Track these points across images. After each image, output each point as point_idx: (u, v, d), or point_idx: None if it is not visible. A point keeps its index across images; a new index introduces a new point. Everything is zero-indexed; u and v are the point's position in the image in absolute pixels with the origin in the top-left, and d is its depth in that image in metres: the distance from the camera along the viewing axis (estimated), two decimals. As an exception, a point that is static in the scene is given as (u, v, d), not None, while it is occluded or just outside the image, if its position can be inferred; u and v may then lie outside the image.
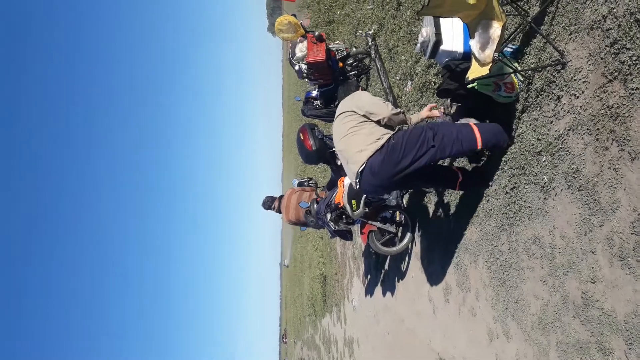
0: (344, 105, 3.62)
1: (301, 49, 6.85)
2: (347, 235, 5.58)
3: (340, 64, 7.03)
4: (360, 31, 7.54)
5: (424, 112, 3.69)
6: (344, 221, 5.32)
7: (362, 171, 3.36)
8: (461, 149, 3.21)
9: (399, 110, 3.53)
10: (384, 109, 3.45)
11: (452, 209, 4.37)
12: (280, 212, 6.21)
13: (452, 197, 4.37)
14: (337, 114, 3.65)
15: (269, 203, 6.32)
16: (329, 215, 5.27)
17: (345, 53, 7.19)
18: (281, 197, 6.06)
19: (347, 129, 3.47)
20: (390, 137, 3.33)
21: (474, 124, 3.29)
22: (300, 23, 6.89)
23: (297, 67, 6.94)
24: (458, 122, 3.52)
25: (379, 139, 3.33)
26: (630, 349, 2.28)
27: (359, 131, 3.42)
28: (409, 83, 5.40)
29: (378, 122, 3.46)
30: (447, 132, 3.20)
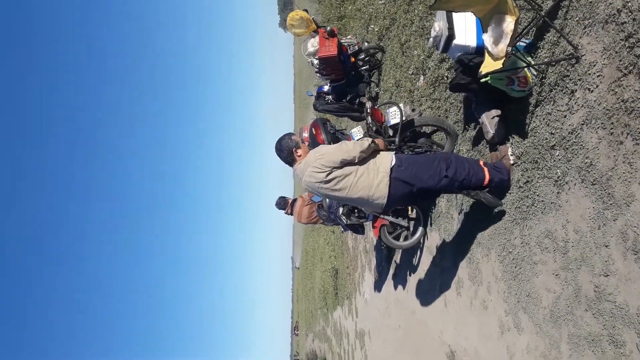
0: (315, 176, 3.52)
1: (313, 43, 6.87)
2: (359, 230, 5.62)
3: (352, 59, 7.04)
4: (372, 26, 7.54)
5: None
6: (356, 215, 5.35)
7: (387, 201, 3.51)
8: (469, 184, 3.49)
9: (366, 142, 3.56)
10: (352, 149, 3.49)
11: (464, 203, 4.38)
12: (291, 215, 6.28)
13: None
14: (320, 181, 3.52)
15: (282, 205, 6.41)
16: (340, 210, 5.31)
17: (357, 48, 7.21)
18: (294, 201, 6.07)
19: (350, 179, 3.49)
20: (394, 163, 3.48)
21: (484, 163, 3.53)
22: (312, 18, 6.90)
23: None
24: (483, 114, 3.56)
25: (378, 168, 3.48)
26: (642, 341, 2.30)
27: (359, 173, 3.48)
28: (422, 78, 5.40)
29: (357, 162, 3.52)
30: (460, 166, 3.45)
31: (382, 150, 3.66)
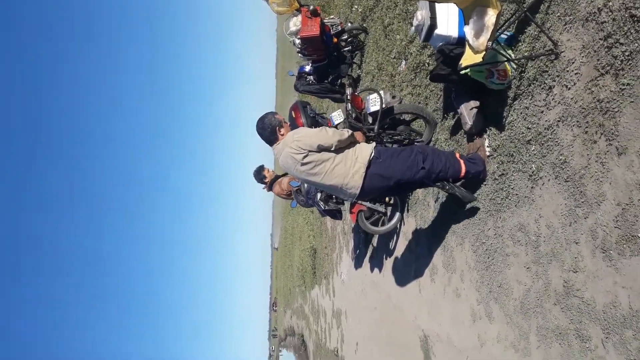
0: (292, 157, 3.46)
1: (295, 23, 6.73)
2: (336, 215, 5.62)
3: (335, 40, 6.93)
4: (356, 6, 7.42)
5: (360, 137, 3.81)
6: (334, 201, 5.35)
7: (360, 191, 3.49)
8: (446, 176, 3.51)
9: (346, 133, 3.52)
10: (330, 137, 3.44)
11: (441, 191, 4.41)
12: (269, 191, 6.18)
13: (442, 179, 4.40)
14: (297, 162, 3.46)
15: (259, 179, 6.23)
16: (318, 195, 5.30)
17: (339, 28, 7.08)
18: (273, 182, 5.92)
19: (326, 165, 3.44)
20: (373, 154, 3.45)
21: (460, 155, 3.55)
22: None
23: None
24: (462, 105, 3.56)
25: (356, 158, 3.45)
26: (607, 337, 2.36)
27: (336, 160, 3.44)
28: (403, 62, 5.36)
29: (333, 150, 3.47)
30: (436, 158, 3.45)
31: (360, 142, 3.63)
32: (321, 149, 3.43)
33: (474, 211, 3.73)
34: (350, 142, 3.54)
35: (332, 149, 3.43)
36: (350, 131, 3.57)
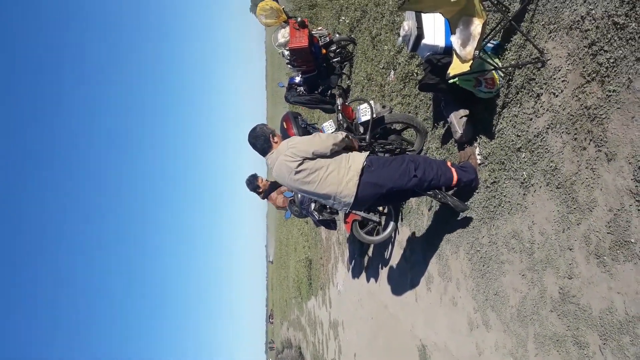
0: (286, 165, 3.46)
1: (283, 34, 6.77)
2: (331, 225, 5.60)
3: (324, 51, 6.97)
4: (343, 17, 7.47)
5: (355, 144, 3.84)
6: (328, 211, 5.34)
7: (354, 199, 3.48)
8: (438, 184, 3.52)
9: (340, 135, 3.53)
10: (325, 141, 3.44)
11: (434, 200, 4.41)
12: (264, 198, 6.15)
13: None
14: (292, 170, 3.45)
15: (252, 187, 6.12)
16: (312, 205, 5.28)
17: (328, 39, 7.13)
18: (268, 193, 5.88)
19: (320, 174, 3.44)
20: (365, 163, 3.44)
21: (451, 164, 3.55)
22: (283, 8, 6.79)
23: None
24: (451, 114, 3.57)
25: (349, 167, 3.44)
26: (604, 344, 2.35)
27: (329, 168, 3.44)
28: (392, 72, 5.39)
29: (329, 155, 3.48)
30: (427, 167, 3.45)
31: (354, 148, 3.63)
32: (316, 155, 3.42)
33: (468, 219, 3.73)
34: (346, 146, 3.53)
35: (328, 154, 3.43)
36: (344, 133, 3.57)
